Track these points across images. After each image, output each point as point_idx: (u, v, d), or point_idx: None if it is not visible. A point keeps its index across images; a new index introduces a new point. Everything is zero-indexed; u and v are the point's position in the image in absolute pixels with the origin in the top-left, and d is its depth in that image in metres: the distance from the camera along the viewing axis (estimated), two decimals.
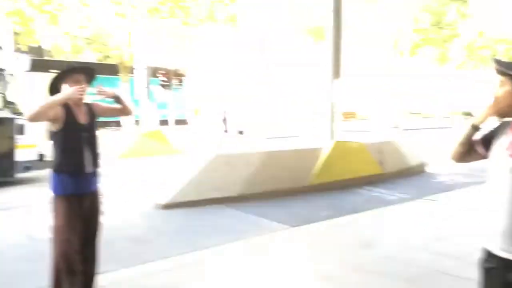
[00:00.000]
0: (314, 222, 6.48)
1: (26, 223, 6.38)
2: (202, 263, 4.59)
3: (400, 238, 5.50)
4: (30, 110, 3.16)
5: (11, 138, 9.95)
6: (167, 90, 22.68)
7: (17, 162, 10.02)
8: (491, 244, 1.92)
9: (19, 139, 10.10)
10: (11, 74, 10.32)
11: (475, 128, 2.03)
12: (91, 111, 3.53)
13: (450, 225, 6.05)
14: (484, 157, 2.05)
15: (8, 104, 9.97)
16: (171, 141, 16.70)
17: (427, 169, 11.08)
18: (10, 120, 9.96)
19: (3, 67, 9.95)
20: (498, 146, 1.94)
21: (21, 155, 10.11)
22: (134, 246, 5.42)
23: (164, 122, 26.03)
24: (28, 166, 10.36)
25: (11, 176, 10.08)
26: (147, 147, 15.44)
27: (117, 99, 3.55)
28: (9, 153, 9.91)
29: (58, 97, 3.24)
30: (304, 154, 8.86)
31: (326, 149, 8.97)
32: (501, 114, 1.94)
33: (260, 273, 4.31)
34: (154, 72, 19.59)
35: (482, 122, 2.01)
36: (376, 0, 25.31)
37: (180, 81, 23.59)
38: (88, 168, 3.40)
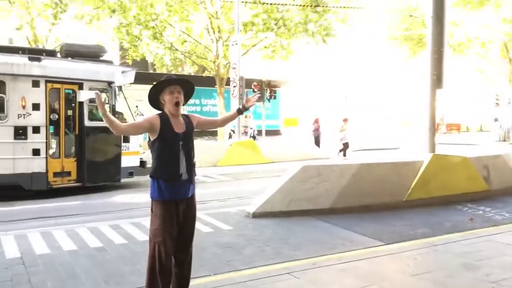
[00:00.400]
0: (409, 240, 6.13)
1: (127, 226, 6.81)
2: (291, 275, 4.53)
3: (508, 262, 4.98)
4: (115, 126, 3.53)
5: (118, 146, 10.80)
6: (260, 101, 23.14)
7: (122, 168, 10.83)
8: None
9: (124, 147, 10.90)
10: (119, 87, 11.20)
11: None
12: (189, 121, 3.69)
13: None
14: None
15: (116, 114, 10.83)
16: (262, 150, 16.96)
17: None
18: None
19: (112, 80, 10.83)
20: None
21: (125, 161, 10.92)
22: (224, 253, 5.52)
23: (257, 132, 26.58)
24: (131, 171, 11.17)
25: (118, 180, 10.92)
26: (240, 155, 15.85)
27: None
28: (116, 160, 10.76)
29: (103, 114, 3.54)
30: (400, 167, 8.43)
31: (424, 163, 8.46)
32: None
33: None
34: (248, 83, 20.07)
35: None
36: (481, 4, 23.51)
37: (274, 92, 23.94)
38: (184, 176, 3.55)
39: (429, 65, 8.97)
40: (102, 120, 10.67)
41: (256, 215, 7.40)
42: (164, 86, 3.57)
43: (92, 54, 11.19)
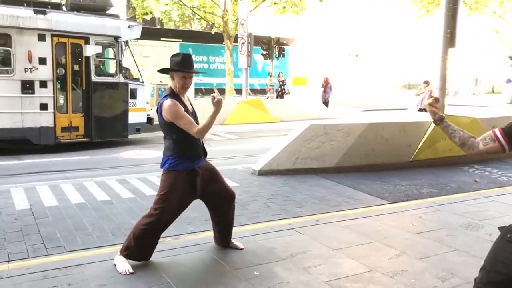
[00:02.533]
0: (414, 199, 6.16)
1: (134, 181, 6.89)
2: (295, 230, 4.59)
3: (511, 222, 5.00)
4: (198, 131, 3.47)
5: (125, 102, 10.79)
6: (268, 59, 22.80)
7: (129, 124, 10.87)
8: None
9: (132, 103, 10.89)
10: (126, 42, 11.06)
11: (436, 123, 2.44)
12: (189, 99, 3.79)
13: None
14: (505, 150, 2.23)
15: (122, 70, 10.75)
16: (270, 109, 16.88)
17: None
18: (125, 85, 10.78)
19: (119, 35, 10.68)
20: None
21: (133, 117, 10.94)
22: None
23: (263, 91, 26.35)
24: (138, 128, 11.21)
25: (125, 136, 10.99)
26: (247, 114, 15.81)
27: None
28: (123, 116, 10.78)
29: (214, 117, 3.45)
30: (408, 127, 8.36)
31: (433, 123, 8.37)
32: None
33: (352, 246, 4.21)
34: (257, 40, 19.72)
35: (434, 116, 2.43)
36: None
37: (283, 50, 23.53)
38: (202, 154, 3.75)
39: (443, 22, 8.72)
40: (109, 76, 10.42)
41: (262, 173, 7.44)
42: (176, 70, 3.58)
43: (98, 8, 11.00)
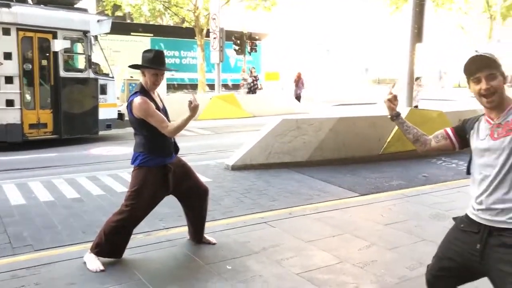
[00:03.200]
0: (384, 191, 6.29)
1: (105, 177, 6.79)
2: (268, 224, 4.62)
3: None
4: (170, 130, 3.46)
5: (95, 98, 10.60)
6: (240, 55, 22.75)
7: (100, 120, 10.68)
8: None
9: (102, 99, 10.70)
10: (95, 36, 10.83)
11: (392, 119, 2.53)
12: (159, 96, 3.77)
13: None
14: (455, 148, 2.36)
15: (92, 65, 10.54)
16: (243, 104, 16.88)
17: None
18: (94, 80, 10.58)
19: (87, 29, 10.45)
20: (476, 135, 2.19)
21: (103, 113, 10.75)
22: None
23: (236, 86, 26.30)
24: (109, 124, 11.02)
25: (96, 133, 10.79)
26: (220, 109, 15.77)
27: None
28: (93, 112, 10.59)
29: (188, 121, 3.46)
30: (377, 121, 8.51)
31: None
32: (496, 103, 2.11)
33: (324, 238, 4.27)
34: (229, 35, 19.64)
35: (391, 112, 2.50)
36: None
37: (255, 45, 23.52)
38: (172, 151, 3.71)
39: (411, 18, 8.90)
40: (78, 71, 10.08)
41: (235, 168, 7.45)
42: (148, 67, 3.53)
43: (66, 2, 10.77)
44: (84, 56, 10.62)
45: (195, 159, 8.21)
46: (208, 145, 10.23)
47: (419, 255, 3.87)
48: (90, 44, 10.50)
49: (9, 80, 9.43)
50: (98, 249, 3.52)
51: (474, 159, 2.20)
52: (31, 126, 9.90)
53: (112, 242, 3.53)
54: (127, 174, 6.65)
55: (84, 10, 11.35)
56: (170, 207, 4.76)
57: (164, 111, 3.71)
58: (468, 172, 2.25)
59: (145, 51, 3.59)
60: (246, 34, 22.69)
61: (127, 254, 3.69)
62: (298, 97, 20.88)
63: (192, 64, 28.12)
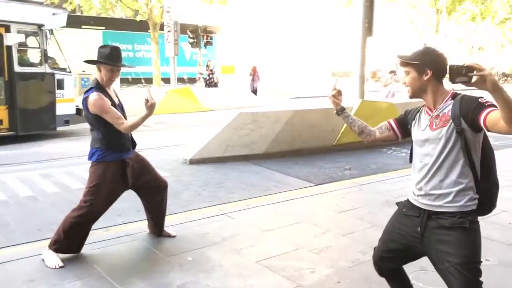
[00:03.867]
0: (338, 180, 6.53)
1: (60, 174, 6.66)
2: (227, 215, 4.72)
3: None
4: (126, 127, 3.48)
5: (52, 93, 10.32)
6: (196, 48, 22.60)
7: (57, 115, 10.42)
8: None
9: (59, 94, 10.46)
10: (50, 30, 10.52)
11: (338, 114, 2.63)
12: (115, 91, 3.78)
13: None
14: (398, 138, 2.50)
15: (48, 59, 10.24)
16: (199, 98, 16.82)
17: None
18: (51, 75, 10.27)
19: (42, 23, 10.11)
20: (417, 126, 2.33)
21: (61, 109, 10.49)
22: None
23: (192, 80, 26.13)
24: (67, 119, 10.82)
25: (53, 129, 10.52)
26: (176, 104, 15.64)
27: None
28: (50, 107, 10.31)
29: (144, 119, 3.49)
30: (331, 113, 8.74)
31: (353, 108, 8.85)
32: (414, 96, 2.29)
33: (281, 227, 4.41)
34: (184, 29, 19.46)
35: (336, 107, 2.61)
36: None
37: (210, 38, 23.41)
38: (130, 146, 3.75)
39: (361, 12, 9.20)
40: (33, 66, 9.72)
41: (193, 162, 7.49)
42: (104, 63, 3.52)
43: None
44: (39, 50, 10.24)
45: (153, 153, 8.16)
46: (165, 140, 10.17)
47: (371, 240, 4.05)
48: (46, 38, 10.16)
49: None
50: (57, 246, 3.50)
51: (415, 148, 2.35)
52: None
53: (71, 238, 3.51)
54: (83, 170, 6.54)
55: (38, 3, 10.95)
56: (128, 202, 4.75)
57: (121, 107, 3.72)
58: (411, 160, 2.39)
59: (101, 47, 3.58)
60: (201, 27, 22.54)
61: (86, 249, 3.69)
62: (254, 91, 21.04)
63: (146, 58, 27.65)
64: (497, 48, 45.92)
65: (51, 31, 10.58)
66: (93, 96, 3.44)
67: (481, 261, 2.17)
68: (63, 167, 7.14)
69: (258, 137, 8.00)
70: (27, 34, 10.18)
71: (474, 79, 1.87)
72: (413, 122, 2.38)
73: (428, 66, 2.20)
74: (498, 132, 2.01)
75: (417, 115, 2.37)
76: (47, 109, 10.24)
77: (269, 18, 37.74)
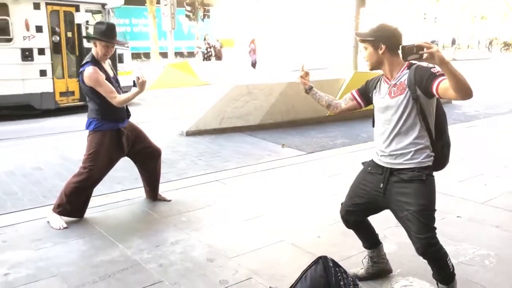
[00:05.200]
0: (329, 149, 6.79)
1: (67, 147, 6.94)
2: (220, 182, 5.00)
3: None
4: (118, 101, 3.73)
5: (114, 66, 10.97)
6: (193, 21, 22.56)
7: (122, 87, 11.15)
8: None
9: (120, 67, 11.44)
10: (112, 8, 11.64)
11: (307, 92, 2.94)
12: (110, 65, 4.05)
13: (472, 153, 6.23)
14: (361, 106, 2.78)
15: None
16: (198, 72, 16.94)
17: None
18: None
19: (105, 2, 11.14)
20: (378, 94, 2.57)
21: (121, 81, 11.14)
22: None
23: (190, 54, 26.11)
24: (125, 91, 11.27)
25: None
26: (174, 78, 15.77)
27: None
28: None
29: (136, 95, 3.84)
30: (324, 84, 8.93)
31: (346, 80, 9.05)
32: (373, 68, 2.52)
33: (271, 191, 4.70)
34: (180, 2, 19.42)
35: (304, 86, 2.92)
36: None
37: (207, 11, 23.35)
38: (125, 117, 4.01)
39: None
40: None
41: (189, 133, 7.76)
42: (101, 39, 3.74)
43: None
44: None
45: (151, 126, 8.41)
46: (163, 113, 10.41)
47: None
48: (108, 15, 11.22)
49: (41, 51, 10.02)
50: (60, 209, 3.79)
51: (377, 114, 2.59)
52: (61, 94, 10.54)
53: (72, 202, 3.80)
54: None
55: None
56: (127, 171, 5.06)
57: (115, 80, 3.95)
58: (374, 125, 2.64)
59: (98, 23, 3.85)
60: (198, 0, 22.48)
61: (88, 213, 3.98)
62: (254, 64, 21.12)
63: (144, 32, 27.61)
64: (499, 17, 45.44)
65: (112, 10, 11.68)
66: (89, 70, 3.68)
67: (435, 209, 2.45)
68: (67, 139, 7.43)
69: (253, 109, 8.23)
70: (93, 13, 11.10)
71: (424, 56, 2.08)
72: (374, 90, 2.62)
73: (382, 41, 2.43)
74: (448, 98, 2.24)
75: (378, 83, 2.61)
76: None
77: None
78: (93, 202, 4.11)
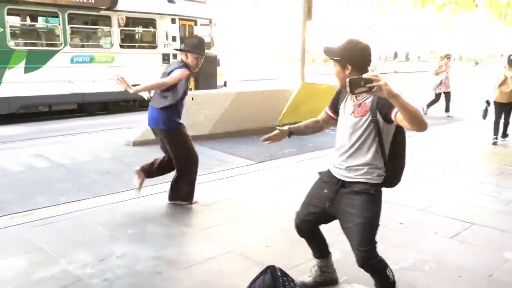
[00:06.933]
0: (277, 158, 6.87)
1: None
2: (167, 193, 4.91)
3: None
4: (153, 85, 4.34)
5: (215, 68, 13.23)
6: None
7: (217, 86, 13.23)
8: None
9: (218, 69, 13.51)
10: (214, 24, 14.44)
11: (290, 136, 2.95)
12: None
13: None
14: (336, 120, 2.74)
15: (214, 44, 14.15)
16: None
17: None
18: (216, 55, 13.54)
19: (212, 18, 14.21)
20: (343, 109, 2.59)
21: (218, 80, 13.42)
22: (102, 178, 5.73)
23: None
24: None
25: None
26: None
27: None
28: (214, 79, 13.04)
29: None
30: (273, 95, 9.12)
31: (294, 90, 9.22)
32: (342, 86, 2.50)
33: (220, 202, 4.69)
34: None
35: (285, 135, 2.92)
36: None
37: None
38: None
39: None
40: (210, 48, 12.86)
41: (137, 143, 7.59)
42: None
43: None
44: (210, 37, 14.11)
45: (97, 136, 8.20)
46: (112, 123, 10.16)
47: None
48: (212, 28, 14.26)
49: (174, 56, 12.45)
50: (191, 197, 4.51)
51: (339, 127, 2.62)
52: None
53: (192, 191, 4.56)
54: None
55: (204, 3, 14.70)
56: (70, 182, 4.88)
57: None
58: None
59: (189, 37, 4.86)
60: None
61: (28, 227, 3.81)
62: None
63: None
64: (436, 33, 48.09)
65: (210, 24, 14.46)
66: (185, 72, 4.20)
67: (379, 225, 2.52)
68: None
69: (203, 118, 8.20)
70: (203, 26, 14.20)
71: (373, 89, 2.07)
72: (342, 102, 2.63)
73: (348, 62, 2.44)
74: (404, 127, 2.31)
75: (346, 98, 2.60)
76: (213, 80, 12.90)
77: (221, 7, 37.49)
78: (33, 215, 3.96)
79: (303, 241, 2.93)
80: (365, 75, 2.10)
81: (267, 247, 3.60)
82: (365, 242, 2.46)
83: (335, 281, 2.98)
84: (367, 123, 2.43)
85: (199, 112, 8.16)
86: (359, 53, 2.45)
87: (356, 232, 2.47)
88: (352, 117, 2.50)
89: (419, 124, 2.16)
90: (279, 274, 2.44)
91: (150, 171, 4.59)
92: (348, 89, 2.14)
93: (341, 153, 2.57)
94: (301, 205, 2.85)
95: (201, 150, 7.27)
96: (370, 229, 2.48)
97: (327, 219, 2.76)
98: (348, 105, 2.56)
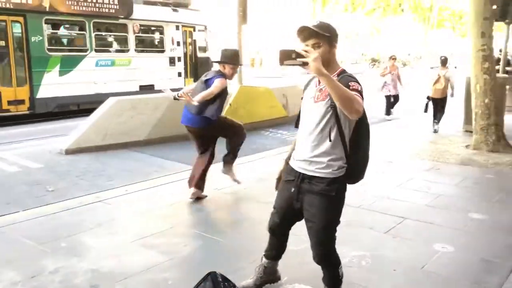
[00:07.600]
0: (218, 162, 6.82)
1: None
2: (104, 202, 4.74)
3: None
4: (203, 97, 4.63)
5: (209, 70, 12.65)
6: None
7: None
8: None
9: None
10: (210, 31, 15.97)
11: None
12: None
13: None
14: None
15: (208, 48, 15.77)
16: None
17: None
18: (208, 58, 15.16)
19: (206, 24, 15.69)
20: (306, 94, 2.52)
21: None
22: (32, 190, 5.43)
23: None
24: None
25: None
26: None
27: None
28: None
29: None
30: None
31: (233, 93, 9.23)
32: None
33: (158, 209, 4.59)
34: None
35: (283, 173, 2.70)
36: None
37: None
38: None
39: (236, 1, 9.57)
40: (203, 52, 16.45)
41: (69, 152, 7.28)
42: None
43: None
44: (205, 42, 15.79)
45: (27, 145, 7.77)
46: (44, 130, 9.66)
47: (245, 212, 4.49)
48: (207, 34, 15.80)
49: (179, 59, 14.71)
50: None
51: (301, 115, 2.50)
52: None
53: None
54: None
55: (198, 11, 16.29)
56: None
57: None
58: (297, 125, 2.55)
59: (225, 49, 4.75)
60: None
61: None
62: None
63: None
64: (366, 36, 50.15)
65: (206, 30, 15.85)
66: (224, 81, 4.65)
67: (339, 222, 2.52)
68: None
69: (139, 124, 8.00)
70: (200, 31, 15.56)
71: (301, 62, 2.05)
72: (305, 89, 2.54)
73: (335, 40, 2.35)
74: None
75: (310, 82, 2.53)
76: None
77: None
78: None
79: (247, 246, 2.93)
80: (297, 48, 2.06)
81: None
82: (324, 242, 2.49)
83: (276, 280, 2.97)
84: (325, 107, 2.34)
85: (134, 117, 7.96)
86: (336, 32, 2.37)
87: (316, 232, 2.47)
88: (312, 102, 2.41)
89: (350, 109, 2.13)
90: (220, 279, 2.43)
91: (198, 181, 4.91)
92: (278, 60, 2.11)
93: (300, 143, 2.48)
94: (273, 208, 2.72)
95: (138, 157, 7.16)
96: (330, 230, 2.49)
97: (297, 217, 2.65)
98: (310, 90, 2.48)
